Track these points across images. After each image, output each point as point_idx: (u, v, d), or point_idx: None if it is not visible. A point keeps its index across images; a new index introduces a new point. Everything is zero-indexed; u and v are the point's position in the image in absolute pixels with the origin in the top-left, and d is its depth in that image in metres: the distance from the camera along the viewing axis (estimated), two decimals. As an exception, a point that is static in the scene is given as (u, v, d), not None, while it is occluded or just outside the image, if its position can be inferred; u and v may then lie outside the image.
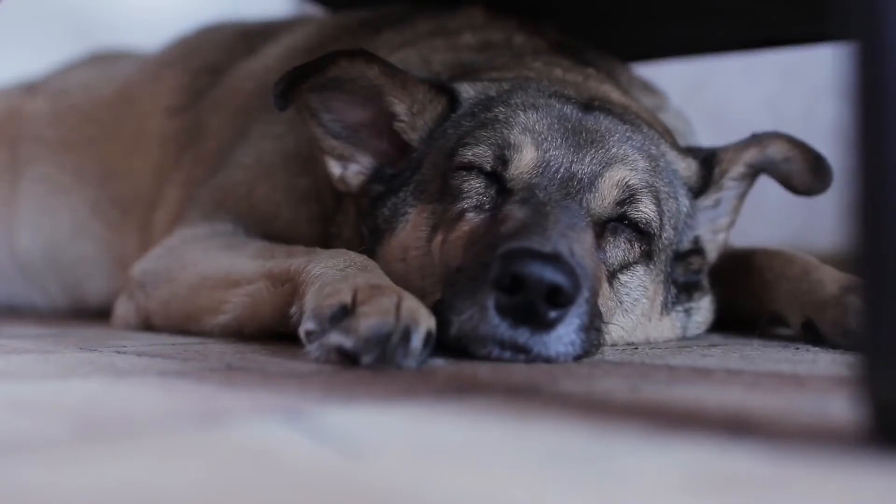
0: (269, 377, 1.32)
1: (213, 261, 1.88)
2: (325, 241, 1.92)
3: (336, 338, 1.37)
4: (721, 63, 3.34)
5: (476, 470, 0.83)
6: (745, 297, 2.01)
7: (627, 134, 1.75)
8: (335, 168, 1.85)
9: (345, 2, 2.60)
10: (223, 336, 1.79)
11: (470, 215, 1.65)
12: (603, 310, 1.61)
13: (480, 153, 1.69)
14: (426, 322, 1.39)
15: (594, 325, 1.54)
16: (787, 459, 0.86)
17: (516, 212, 1.57)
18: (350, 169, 1.85)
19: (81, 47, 3.18)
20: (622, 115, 1.80)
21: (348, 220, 1.91)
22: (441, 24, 2.22)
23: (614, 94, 1.92)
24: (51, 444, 0.89)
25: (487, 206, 1.65)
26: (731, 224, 1.97)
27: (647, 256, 1.73)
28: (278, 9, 4.12)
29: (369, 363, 1.35)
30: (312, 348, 1.41)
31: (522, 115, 1.72)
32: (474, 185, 1.67)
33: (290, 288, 1.64)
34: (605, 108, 1.80)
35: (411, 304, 1.41)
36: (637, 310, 1.74)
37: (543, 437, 0.97)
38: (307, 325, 1.42)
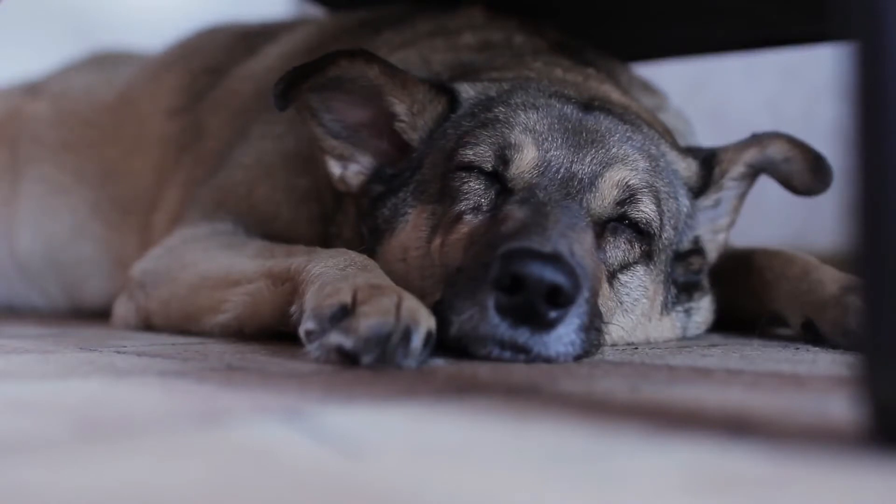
0: (269, 377, 1.32)
1: (213, 260, 1.88)
2: (325, 241, 1.91)
3: (336, 338, 1.37)
4: (721, 63, 3.34)
5: (476, 470, 0.83)
6: (745, 297, 2.01)
7: (627, 134, 1.75)
8: (335, 168, 1.85)
9: (345, 2, 2.60)
10: (223, 336, 1.79)
11: (469, 216, 1.65)
12: (603, 310, 1.61)
13: (481, 153, 1.69)
14: (426, 322, 1.39)
15: (594, 325, 1.54)
16: (787, 459, 0.86)
17: (516, 212, 1.57)
18: (350, 169, 1.85)
19: (81, 47, 3.18)
20: (622, 115, 1.80)
21: (348, 220, 1.91)
22: (441, 24, 2.22)
23: (614, 94, 1.92)
24: (51, 444, 0.89)
25: (487, 207, 1.65)
26: (732, 224, 1.97)
27: (647, 256, 1.73)
28: (278, 9, 4.12)
29: (369, 363, 1.35)
30: (312, 348, 1.41)
31: (523, 115, 1.72)
32: (474, 186, 1.67)
33: (290, 287, 1.64)
34: (606, 108, 1.80)
35: (411, 304, 1.41)
36: (637, 310, 1.74)
37: (543, 437, 0.97)
38: (307, 325, 1.42)
